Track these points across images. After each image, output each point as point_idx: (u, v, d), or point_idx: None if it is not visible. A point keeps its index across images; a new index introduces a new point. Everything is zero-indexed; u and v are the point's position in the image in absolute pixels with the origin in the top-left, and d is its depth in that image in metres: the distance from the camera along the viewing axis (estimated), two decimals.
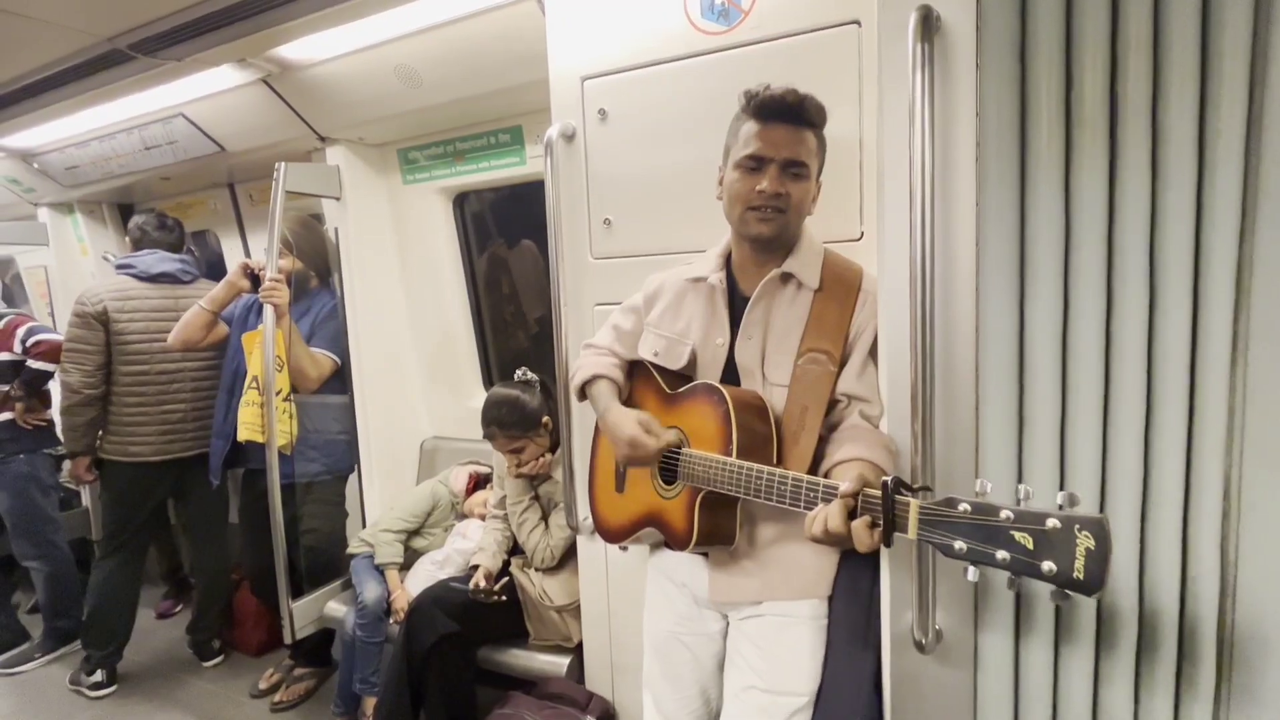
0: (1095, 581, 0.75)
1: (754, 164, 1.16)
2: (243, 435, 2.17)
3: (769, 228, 1.17)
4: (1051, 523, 0.78)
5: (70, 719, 2.49)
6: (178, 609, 3.25)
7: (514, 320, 2.86)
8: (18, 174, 3.15)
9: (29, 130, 2.69)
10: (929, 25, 0.97)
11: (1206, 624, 0.92)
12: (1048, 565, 0.78)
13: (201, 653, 2.77)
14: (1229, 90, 0.83)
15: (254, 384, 2.18)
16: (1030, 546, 0.80)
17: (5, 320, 2.74)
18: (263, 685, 2.52)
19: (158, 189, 3.27)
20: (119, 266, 2.56)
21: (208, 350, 2.50)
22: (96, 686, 2.58)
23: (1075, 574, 0.76)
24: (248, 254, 3.27)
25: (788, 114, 1.14)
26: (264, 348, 2.12)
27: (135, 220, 2.62)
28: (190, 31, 1.78)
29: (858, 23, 1.31)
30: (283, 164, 2.13)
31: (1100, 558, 0.75)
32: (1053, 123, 0.94)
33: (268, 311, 2.11)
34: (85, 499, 3.29)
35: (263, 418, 2.14)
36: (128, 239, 2.63)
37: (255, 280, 2.26)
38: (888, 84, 1.03)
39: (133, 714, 2.50)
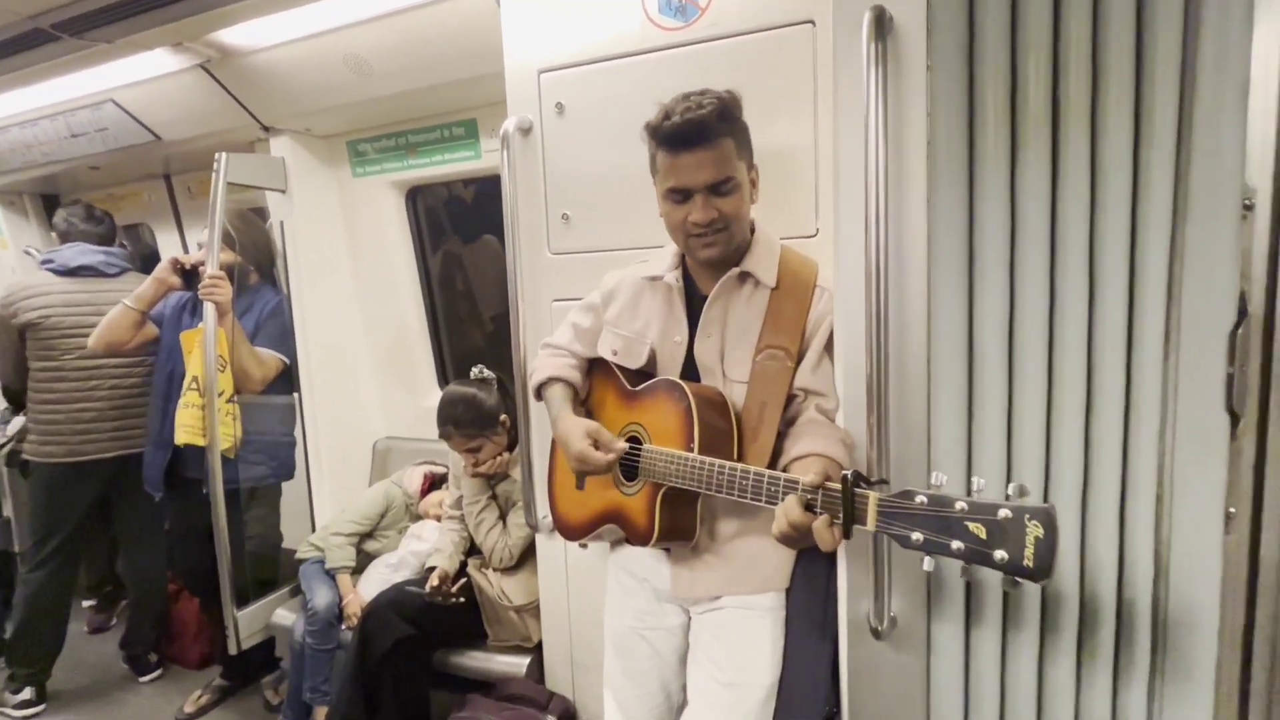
0: (1044, 569, 0.78)
1: (679, 196, 1.15)
2: (180, 438, 2.07)
3: (715, 250, 1.18)
4: (1003, 513, 0.81)
5: None
6: (112, 623, 3.08)
7: (469, 318, 2.81)
8: None
9: None
10: (882, 25, 0.98)
11: (1142, 606, 0.96)
12: (1000, 554, 0.81)
13: (138, 667, 2.64)
14: (1161, 93, 0.87)
15: (194, 385, 2.07)
16: (983, 536, 0.82)
17: None
18: (188, 709, 2.40)
19: (86, 179, 3.09)
20: (42, 261, 2.42)
21: (138, 350, 2.37)
22: (24, 705, 2.42)
23: (1025, 562, 0.79)
24: (185, 249, 3.12)
25: (694, 139, 1.10)
26: (205, 347, 2.02)
27: (61, 213, 2.47)
28: (122, 12, 1.69)
29: (812, 22, 1.32)
30: (223, 154, 2.04)
31: (1048, 546, 0.78)
32: (999, 123, 0.97)
33: (208, 309, 2.01)
34: (6, 509, 3.09)
35: (203, 420, 2.04)
36: (54, 233, 2.48)
37: (187, 276, 2.15)
38: (842, 82, 1.04)
39: None
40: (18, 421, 2.57)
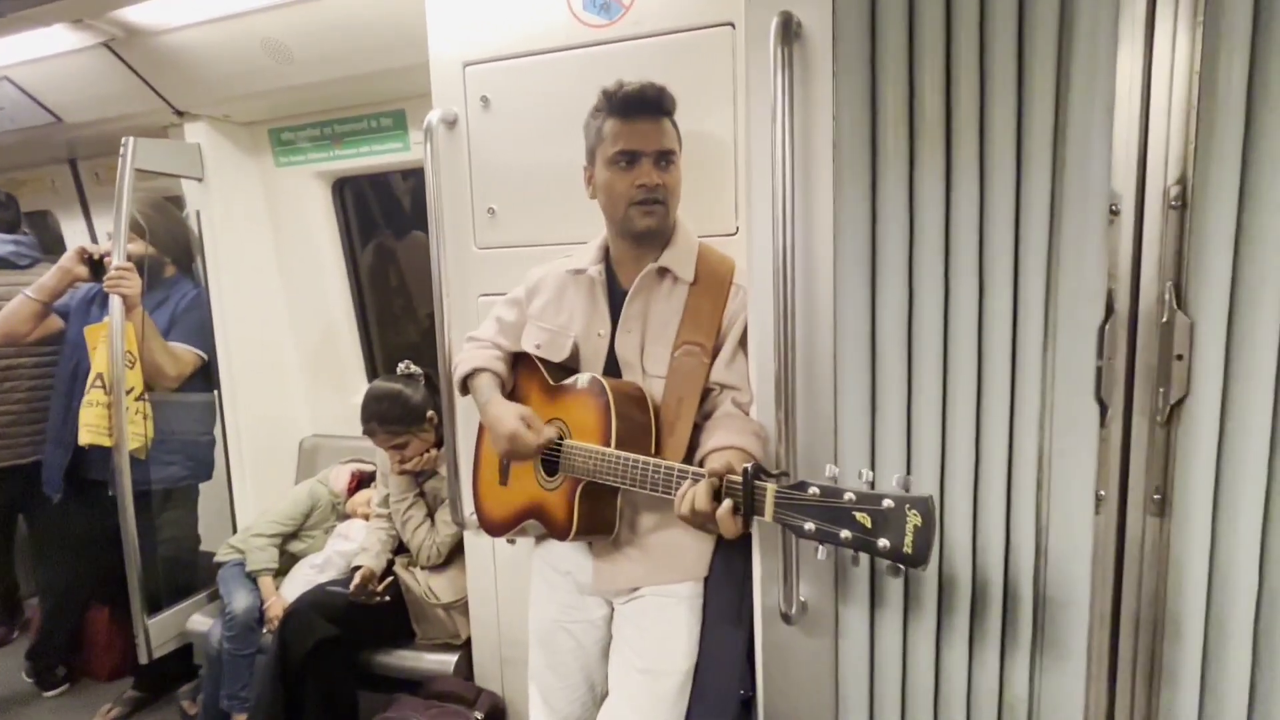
0: (922, 555, 0.83)
1: (626, 159, 1.19)
2: (84, 438, 1.95)
3: (653, 219, 1.20)
4: (886, 503, 0.86)
5: None
6: (14, 636, 2.90)
7: (404, 314, 2.75)
8: None
9: None
10: (789, 30, 1.01)
11: (1024, 587, 1.03)
12: (883, 542, 0.85)
13: (43, 681, 2.49)
14: (1039, 106, 0.93)
15: (99, 382, 1.97)
16: (869, 525, 0.87)
17: None
18: None
19: None
20: None
21: (47, 345, 2.23)
22: None
23: (905, 549, 0.84)
24: (94, 237, 2.95)
25: (649, 107, 1.19)
26: (111, 342, 1.92)
27: None
28: None
29: (732, 24, 1.35)
30: (130, 139, 1.93)
31: (926, 534, 0.83)
32: (898, 129, 1.01)
33: (114, 302, 1.91)
34: None
35: (109, 419, 1.94)
36: None
37: (95, 267, 2.03)
38: (753, 85, 1.07)
39: None
40: None
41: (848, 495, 0.88)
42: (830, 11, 1.03)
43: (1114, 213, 0.95)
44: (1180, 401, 0.94)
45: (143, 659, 2.04)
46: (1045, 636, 1.03)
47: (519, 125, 1.53)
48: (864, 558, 1.07)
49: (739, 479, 0.98)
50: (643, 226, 1.21)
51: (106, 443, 1.94)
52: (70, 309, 2.16)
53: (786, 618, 1.13)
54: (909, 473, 1.06)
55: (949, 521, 1.05)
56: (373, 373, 2.57)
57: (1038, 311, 0.97)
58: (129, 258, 1.96)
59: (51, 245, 3.09)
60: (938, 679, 1.11)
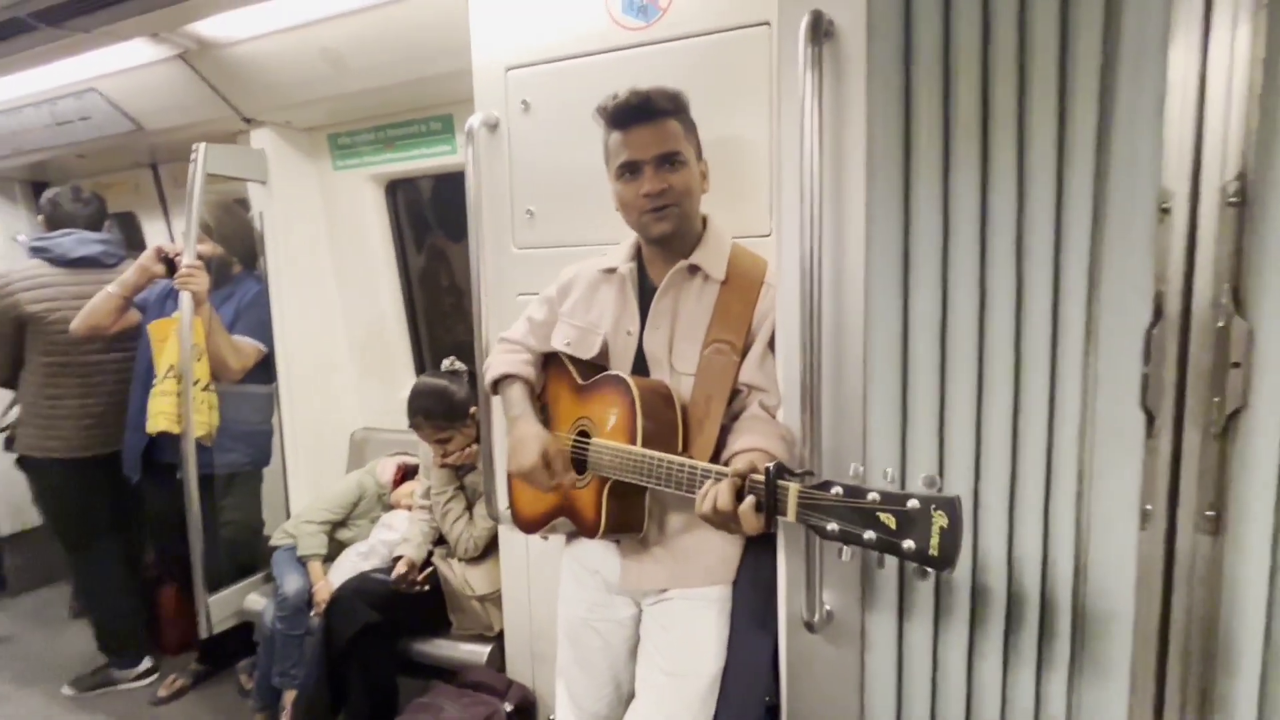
0: (948, 557, 0.81)
1: (630, 170, 1.20)
2: (154, 425, 2.09)
3: (668, 223, 1.20)
4: (911, 503, 0.83)
5: None
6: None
7: (453, 311, 2.83)
8: None
9: None
10: (819, 29, 1.00)
11: (1063, 601, 0.98)
12: (908, 543, 0.83)
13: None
14: (1082, 101, 0.89)
15: (170, 373, 2.10)
16: (893, 526, 0.84)
17: None
18: (163, 693, 2.45)
19: (74, 167, 3.11)
20: (33, 249, 2.38)
21: (130, 341, 2.39)
22: (144, 675, 2.56)
23: (931, 551, 0.81)
24: (172, 238, 3.14)
25: (643, 112, 1.18)
26: (181, 335, 2.04)
27: (47, 194, 2.42)
28: (98, 1, 1.71)
29: (768, 24, 1.34)
30: (201, 145, 2.06)
31: (953, 535, 0.80)
32: (933, 128, 0.99)
33: (184, 298, 2.04)
34: None
35: (179, 407, 2.06)
36: (40, 215, 2.45)
37: (171, 266, 2.17)
38: (785, 84, 1.07)
39: (36, 715, 2.39)
40: (14, 411, 2.56)
41: (872, 495, 0.86)
42: (864, 9, 1.01)
43: (1164, 211, 0.89)
44: (1237, 412, 0.88)
45: (203, 634, 2.17)
46: (1085, 654, 0.98)
47: (558, 128, 1.56)
48: (891, 563, 1.05)
49: (762, 478, 0.97)
50: (657, 232, 1.22)
51: (174, 429, 2.07)
52: (148, 303, 2.30)
53: (810, 625, 1.11)
54: (941, 479, 1.03)
55: (982, 530, 1.01)
56: (421, 369, 2.66)
57: (1079, 314, 0.93)
58: (198, 256, 2.08)
59: (135, 244, 3.32)
60: (969, 694, 1.07)
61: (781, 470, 0.96)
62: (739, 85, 1.39)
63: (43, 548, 2.71)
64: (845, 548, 0.90)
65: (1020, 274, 0.97)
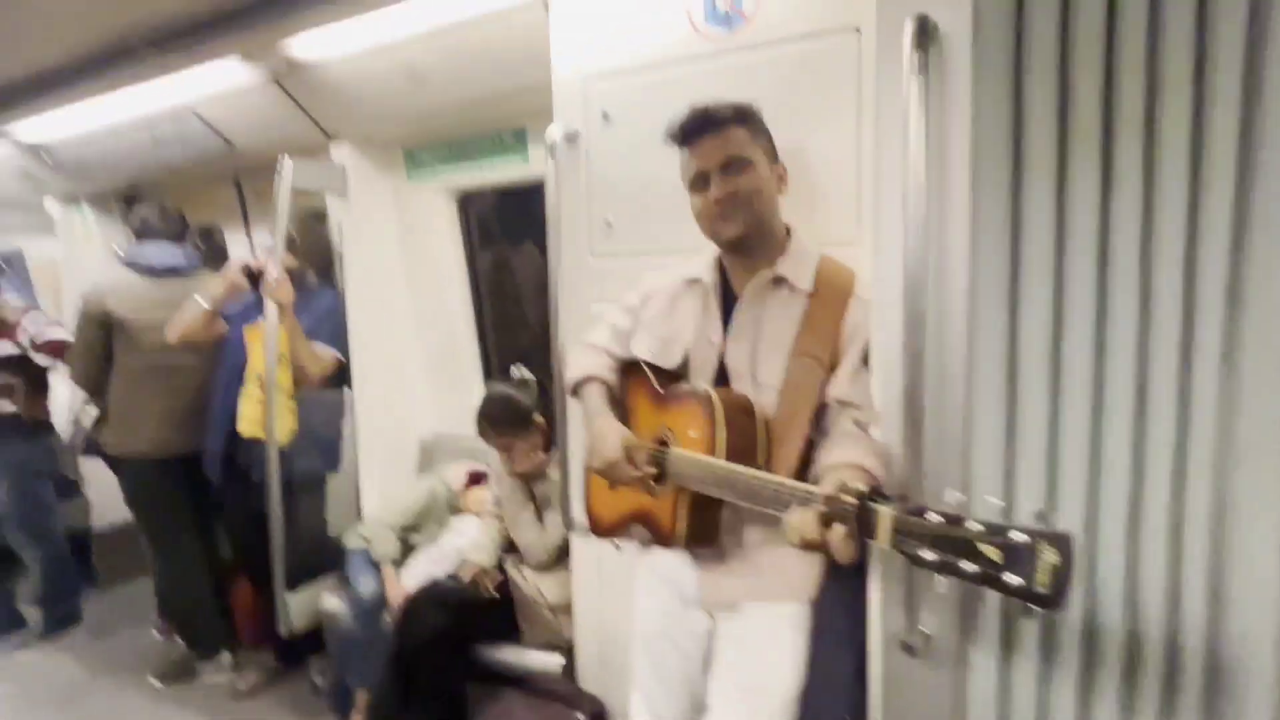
0: (1058, 597, 0.76)
1: (700, 182, 1.22)
2: (243, 429, 2.18)
3: (735, 224, 1.20)
4: (1018, 536, 0.78)
5: (72, 702, 2.53)
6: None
7: (517, 321, 2.88)
8: (29, 166, 3.18)
9: (42, 122, 2.71)
10: (925, 33, 0.97)
11: (1193, 641, 0.91)
12: (1012, 579, 0.78)
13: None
14: (1223, 102, 0.83)
15: (256, 379, 2.19)
16: (997, 559, 0.80)
17: (13, 312, 2.77)
18: (242, 686, 2.54)
19: (164, 181, 3.29)
20: (125, 261, 2.55)
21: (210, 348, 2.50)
22: (223, 668, 2.65)
23: (1038, 588, 0.76)
24: (252, 249, 3.29)
25: (702, 126, 1.21)
26: (265, 343, 2.13)
27: (136, 211, 2.62)
28: (204, 29, 1.81)
29: (858, 30, 1.31)
30: (288, 160, 2.14)
31: (1064, 574, 0.75)
32: (1047, 134, 0.94)
33: (270, 308, 2.12)
34: (85, 488, 3.32)
35: (263, 413, 2.15)
36: (129, 230, 2.64)
37: (254, 279, 2.27)
38: (884, 91, 1.04)
39: (122, 705, 2.51)
40: (92, 411, 2.73)
41: (974, 525, 0.82)
42: (970, 11, 0.98)
43: None
44: None
45: (283, 632, 2.24)
46: (1220, 703, 0.91)
47: (638, 139, 1.56)
48: (993, 594, 1.00)
49: (853, 501, 0.94)
50: (727, 236, 1.21)
51: (261, 434, 2.15)
52: (233, 314, 2.42)
53: (910, 649, 1.07)
54: (1051, 507, 0.98)
55: (1099, 564, 0.96)
56: (488, 376, 2.70)
57: (1214, 335, 0.87)
58: (283, 268, 2.17)
59: (218, 255, 3.49)
60: None
61: (875, 492, 0.93)
62: (824, 92, 1.36)
63: (132, 543, 2.86)
64: (942, 578, 0.86)
65: (1146, 286, 0.91)
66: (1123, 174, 0.91)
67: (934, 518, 0.86)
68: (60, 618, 2.91)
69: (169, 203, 2.70)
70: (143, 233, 2.58)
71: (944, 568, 0.85)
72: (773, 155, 1.26)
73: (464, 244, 2.58)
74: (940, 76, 1.00)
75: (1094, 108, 0.91)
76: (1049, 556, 0.76)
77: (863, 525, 0.92)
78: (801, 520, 0.98)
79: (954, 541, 0.84)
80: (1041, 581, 0.76)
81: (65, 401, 2.89)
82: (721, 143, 1.20)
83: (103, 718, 2.46)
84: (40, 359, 2.72)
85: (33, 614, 2.95)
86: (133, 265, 2.52)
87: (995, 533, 0.81)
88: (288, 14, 1.76)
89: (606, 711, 1.78)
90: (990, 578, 0.81)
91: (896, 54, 1.00)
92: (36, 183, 3.29)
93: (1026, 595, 0.78)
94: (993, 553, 0.81)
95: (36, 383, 2.77)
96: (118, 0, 1.72)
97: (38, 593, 2.92)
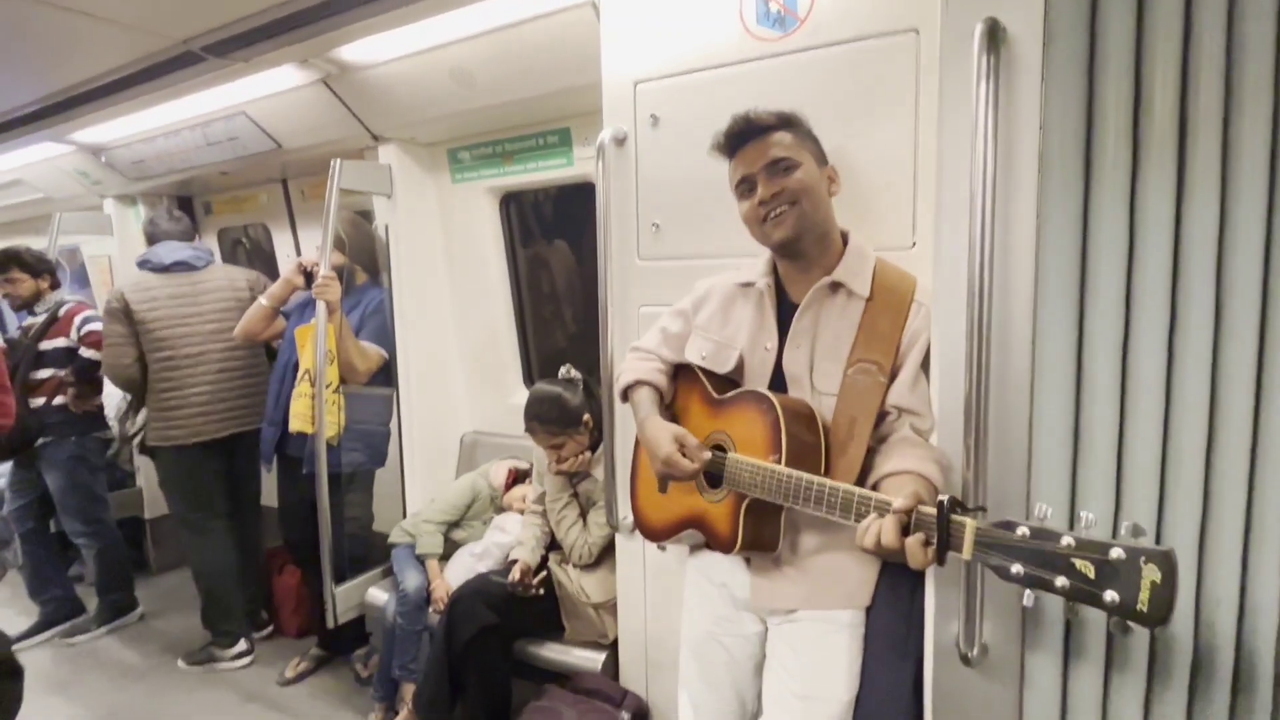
0: (1160, 615, 0.75)
1: (747, 186, 1.23)
2: (294, 426, 2.24)
3: (785, 226, 1.20)
4: (1116, 553, 0.77)
5: (123, 690, 2.61)
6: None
7: (553, 319, 2.90)
8: (87, 167, 3.30)
9: (101, 126, 2.81)
10: (995, 37, 0.96)
11: (1264, 658, 0.90)
12: (1110, 596, 0.77)
13: (251, 622, 2.87)
14: None
15: (306, 376, 2.25)
16: (1091, 575, 0.79)
17: (66, 307, 2.88)
18: (289, 674, 2.61)
19: (215, 183, 3.39)
20: (139, 263, 2.66)
21: (228, 336, 2.59)
22: (239, 656, 2.73)
23: (1139, 606, 0.75)
24: (298, 248, 3.37)
25: (745, 134, 1.23)
26: (315, 341, 2.19)
27: (147, 215, 2.78)
28: (260, 34, 1.85)
29: (916, 31, 1.30)
30: (338, 161, 2.19)
31: (1167, 591, 0.74)
32: (1120, 137, 0.93)
33: (320, 306, 2.18)
34: (139, 479, 3.44)
35: (313, 409, 2.20)
36: (143, 234, 2.75)
37: (309, 277, 2.33)
38: (949, 94, 1.02)
39: (174, 689, 2.61)
40: (144, 412, 2.82)
41: (1066, 540, 0.81)
42: (1040, 12, 0.96)
43: None
44: None
45: (330, 623, 2.29)
46: None
47: (687, 142, 1.56)
48: (1053, 601, 0.98)
49: (932, 512, 0.93)
50: (778, 237, 1.21)
51: (311, 430, 2.21)
52: (290, 310, 2.50)
53: (966, 659, 1.06)
54: (1117, 516, 0.96)
55: None
56: (528, 375, 2.73)
57: None
58: (331, 267, 2.22)
59: (266, 253, 3.58)
60: None
61: (955, 504, 0.92)
62: (880, 95, 1.35)
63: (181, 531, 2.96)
64: (1029, 592, 0.85)
65: (1220, 294, 0.89)
66: (1198, 179, 0.89)
67: (1022, 531, 0.85)
68: (116, 605, 3.02)
69: (216, 204, 2.80)
70: (154, 235, 2.70)
71: (1034, 582, 0.84)
72: (821, 158, 1.25)
73: (506, 244, 2.61)
74: (1008, 80, 0.98)
75: (1170, 111, 0.90)
76: (1150, 574, 0.75)
77: (942, 537, 0.92)
78: (880, 528, 0.98)
79: (1043, 556, 0.83)
80: (1144, 599, 0.75)
81: (116, 395, 2.99)
82: (765, 146, 1.21)
83: (155, 702, 2.55)
84: (86, 352, 2.82)
85: (90, 601, 3.06)
86: (145, 266, 2.63)
87: (1090, 549, 0.80)
88: (346, 20, 1.79)
89: (648, 709, 1.80)
90: (1086, 594, 0.80)
91: (963, 57, 0.99)
92: (95, 184, 3.41)
93: (1127, 613, 0.77)
94: (1088, 569, 0.80)
95: (88, 377, 2.87)
96: (183, 9, 1.76)
97: (94, 581, 3.04)
